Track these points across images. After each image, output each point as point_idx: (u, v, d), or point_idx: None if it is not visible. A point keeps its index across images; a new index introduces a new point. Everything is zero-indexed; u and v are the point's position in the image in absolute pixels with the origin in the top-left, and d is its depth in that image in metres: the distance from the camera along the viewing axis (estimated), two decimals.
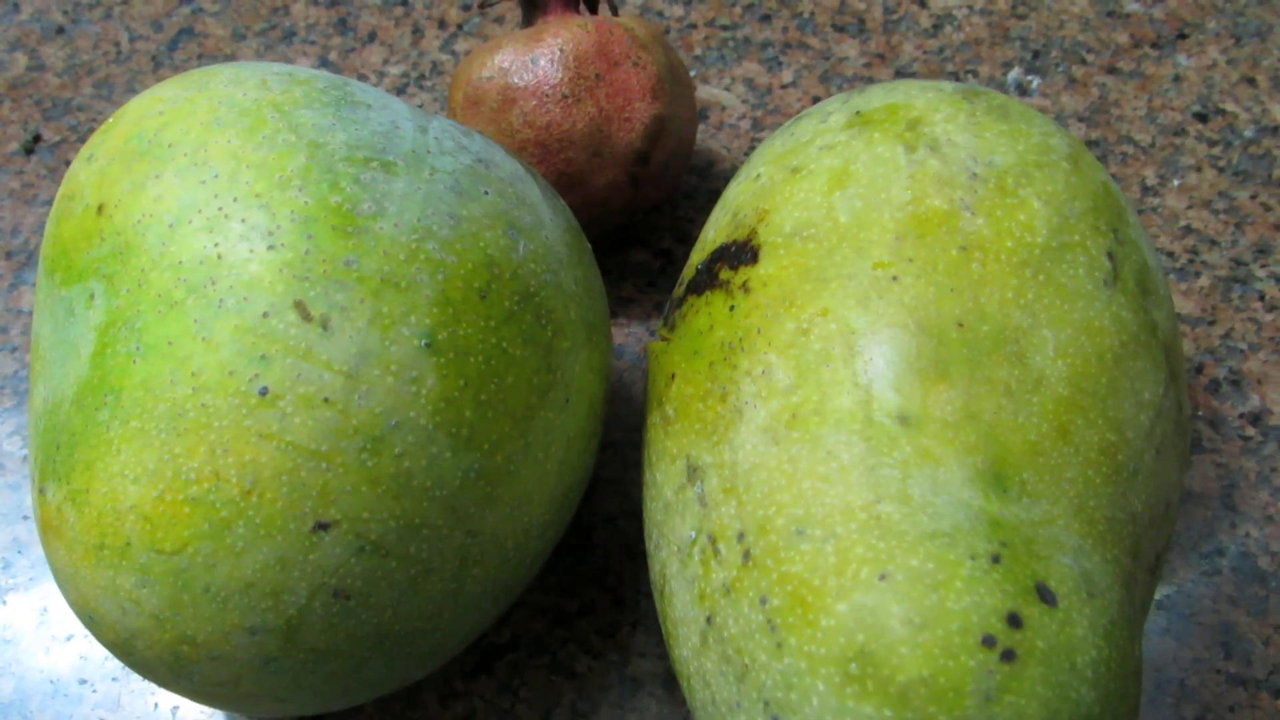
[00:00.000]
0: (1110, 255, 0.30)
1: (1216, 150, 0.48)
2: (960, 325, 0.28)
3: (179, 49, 0.54)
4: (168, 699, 0.37)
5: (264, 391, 0.27)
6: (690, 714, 0.37)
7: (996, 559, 0.25)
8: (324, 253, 0.28)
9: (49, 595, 0.40)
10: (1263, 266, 0.45)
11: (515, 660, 0.38)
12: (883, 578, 0.25)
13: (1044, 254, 0.29)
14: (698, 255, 0.34)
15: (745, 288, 0.31)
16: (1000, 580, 0.25)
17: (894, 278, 0.29)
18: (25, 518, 0.41)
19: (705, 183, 0.48)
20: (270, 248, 0.28)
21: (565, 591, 0.39)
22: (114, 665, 0.38)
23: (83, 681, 0.38)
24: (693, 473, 0.30)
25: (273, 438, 0.27)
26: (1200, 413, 0.41)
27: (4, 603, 0.39)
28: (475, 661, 0.38)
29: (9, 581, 0.40)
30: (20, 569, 0.40)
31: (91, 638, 0.39)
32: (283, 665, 0.29)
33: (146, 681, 0.38)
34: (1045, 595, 0.25)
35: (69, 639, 0.39)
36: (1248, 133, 0.49)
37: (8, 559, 0.40)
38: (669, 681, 0.37)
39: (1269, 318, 0.43)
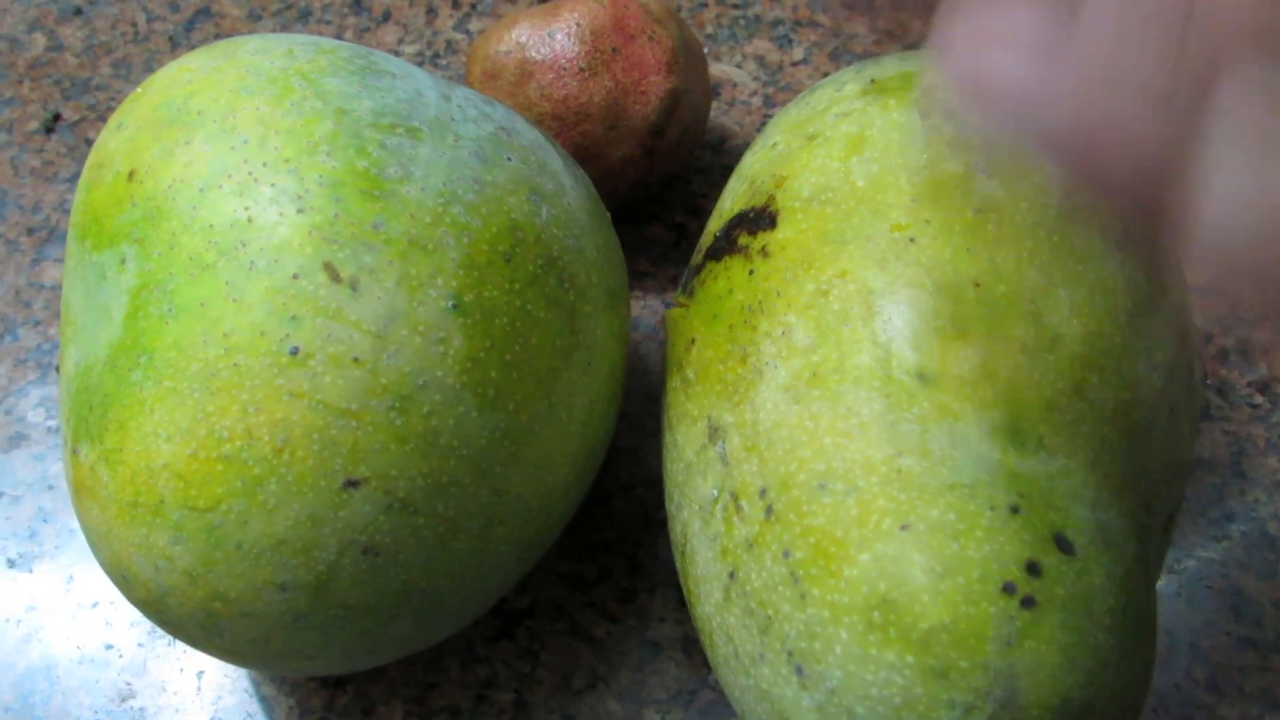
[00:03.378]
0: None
1: None
2: (977, 285, 0.28)
3: (196, 29, 0.54)
4: (193, 664, 0.38)
5: (295, 351, 0.28)
6: (711, 673, 0.37)
7: (1015, 509, 0.26)
8: (352, 216, 0.29)
9: (75, 564, 0.40)
10: None
11: (535, 625, 0.38)
12: (904, 528, 0.26)
13: (1058, 216, 0.29)
14: (715, 223, 0.35)
15: (764, 252, 0.31)
16: (1019, 530, 0.25)
17: (911, 239, 0.29)
18: (51, 488, 0.42)
19: (718, 158, 0.49)
20: (299, 211, 0.29)
21: (584, 558, 0.40)
22: (140, 631, 0.39)
23: (109, 647, 0.38)
24: (714, 432, 0.30)
25: (304, 396, 0.28)
26: (1209, 381, 0.42)
27: (30, 571, 0.40)
28: (496, 626, 0.38)
29: (35, 550, 0.40)
30: (46, 538, 0.41)
31: (118, 605, 0.39)
32: (312, 622, 0.29)
33: (172, 647, 0.38)
34: (1063, 544, 0.26)
35: (95, 606, 0.39)
36: None
37: (34, 528, 0.41)
38: (688, 645, 0.38)
39: None
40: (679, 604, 0.39)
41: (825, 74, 0.51)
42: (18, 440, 0.43)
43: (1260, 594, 0.38)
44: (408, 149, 0.30)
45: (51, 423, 0.43)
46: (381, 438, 0.28)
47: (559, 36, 0.41)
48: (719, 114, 0.50)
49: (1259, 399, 0.42)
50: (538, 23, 0.41)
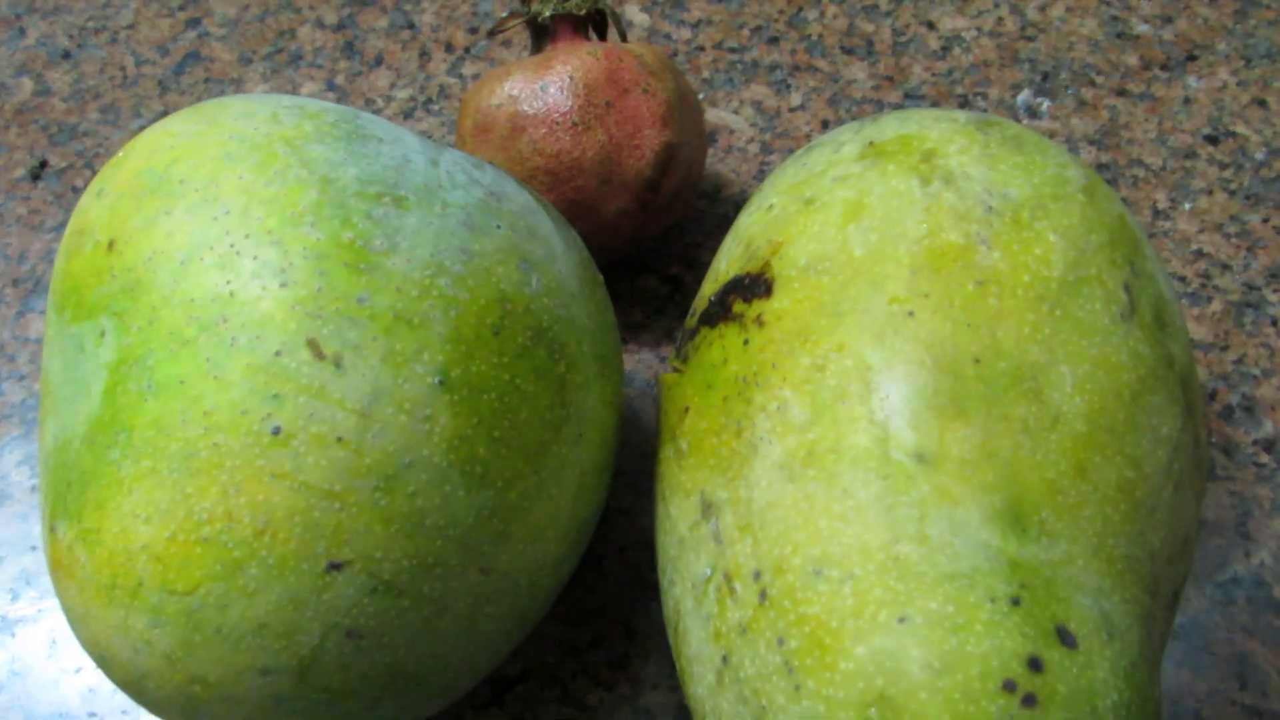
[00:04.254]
0: (1127, 288, 0.29)
1: (1228, 173, 0.48)
2: (977, 361, 0.28)
3: (185, 73, 0.53)
4: None
5: (277, 431, 0.27)
6: None
7: (1016, 601, 0.25)
8: (336, 290, 0.28)
9: (58, 627, 0.39)
10: (1275, 291, 0.45)
11: (526, 693, 0.38)
12: (901, 620, 0.25)
13: (1061, 288, 0.29)
14: (709, 286, 0.34)
15: (759, 321, 0.30)
16: (1020, 623, 0.25)
17: (910, 313, 0.28)
18: (34, 548, 0.41)
19: (714, 207, 0.48)
20: (283, 285, 0.28)
21: (576, 623, 0.39)
22: (123, 699, 0.38)
23: (92, 715, 0.38)
24: (707, 509, 0.30)
25: (286, 477, 0.27)
26: (1213, 439, 0.41)
27: (13, 634, 0.39)
28: (486, 694, 0.38)
29: (17, 613, 0.40)
30: (28, 600, 0.40)
31: (101, 672, 0.39)
32: (295, 706, 0.29)
33: (156, 718, 0.38)
34: (1066, 638, 0.25)
35: (78, 671, 0.38)
36: (1259, 155, 0.48)
37: (16, 590, 0.40)
38: (681, 714, 0.37)
39: None
40: (672, 671, 0.38)
41: (824, 120, 0.50)
42: (0, 499, 0.42)
43: (1266, 661, 0.37)
44: (394, 219, 0.29)
45: (34, 481, 0.42)
46: (366, 519, 0.27)
47: (552, 90, 0.40)
48: (715, 161, 0.49)
49: (1264, 458, 0.41)
50: (530, 75, 0.41)
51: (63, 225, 0.49)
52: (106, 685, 0.38)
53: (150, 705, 0.29)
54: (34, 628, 0.39)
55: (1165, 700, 0.36)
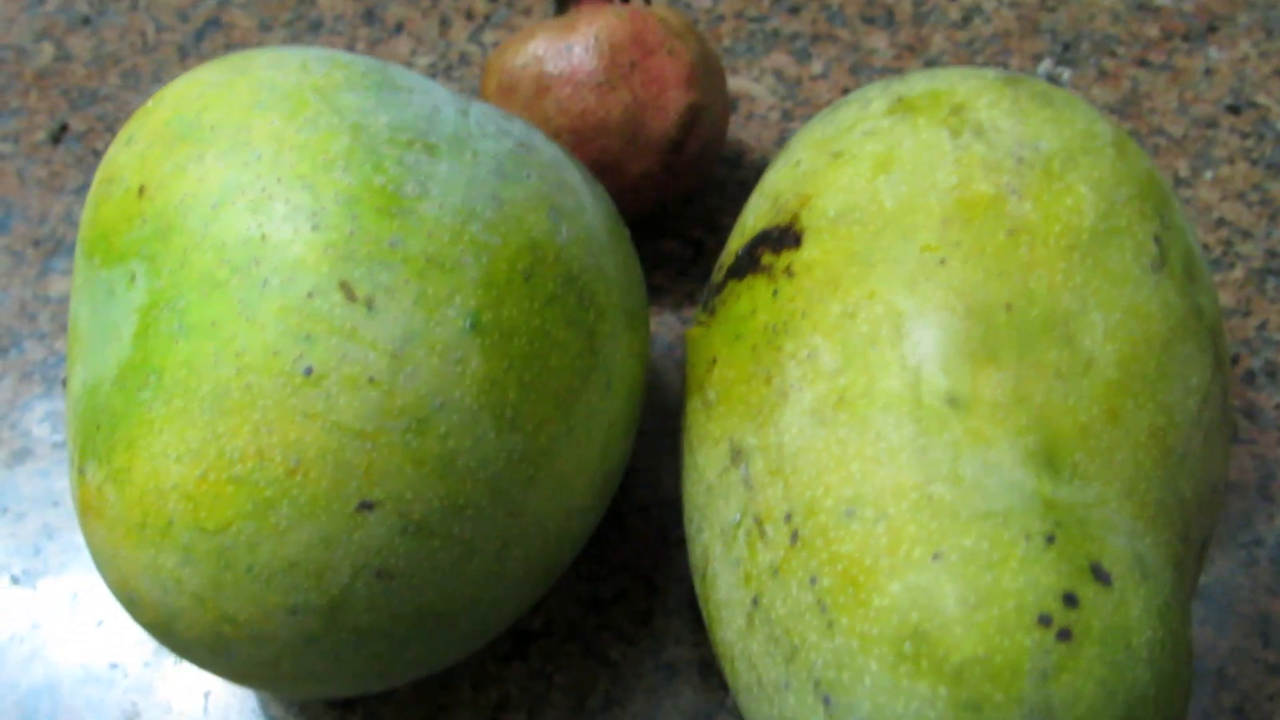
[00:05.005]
0: (1157, 240, 0.29)
1: (1249, 143, 0.48)
2: (1009, 308, 0.28)
3: (205, 40, 0.53)
4: (200, 684, 0.37)
5: (309, 371, 0.27)
6: (728, 697, 0.36)
7: (1051, 539, 0.25)
8: (368, 233, 0.28)
9: (80, 581, 0.39)
10: None
11: (549, 646, 0.38)
12: (936, 557, 0.25)
13: (1091, 238, 0.29)
14: (736, 241, 0.34)
15: (789, 271, 0.31)
16: (1055, 560, 0.25)
17: (941, 261, 0.28)
18: (56, 504, 0.41)
19: (736, 173, 0.48)
20: (314, 228, 0.28)
21: (599, 579, 0.39)
22: (146, 650, 0.38)
23: (114, 666, 0.38)
24: (736, 455, 0.30)
25: (317, 417, 0.27)
26: (1237, 404, 0.41)
27: (35, 588, 0.39)
28: (509, 647, 0.38)
29: (40, 567, 0.40)
30: (51, 555, 0.40)
31: (123, 623, 0.39)
32: (324, 646, 0.29)
33: (179, 666, 0.38)
34: (1100, 575, 0.25)
35: (100, 624, 0.39)
36: None
37: (38, 545, 0.40)
38: (704, 668, 0.37)
39: None
40: (696, 626, 0.38)
41: (844, 88, 0.50)
42: (23, 455, 0.42)
43: None
44: (425, 165, 0.30)
45: (57, 438, 0.42)
46: (397, 460, 0.27)
47: (576, 50, 0.40)
48: (736, 128, 0.49)
49: None
50: (555, 36, 0.41)
51: (83, 188, 0.49)
52: (128, 638, 0.38)
53: (178, 647, 0.29)
54: (56, 582, 0.39)
55: None
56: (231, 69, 0.32)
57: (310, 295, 0.27)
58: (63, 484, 0.41)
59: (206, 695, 0.37)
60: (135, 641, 0.38)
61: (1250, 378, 0.42)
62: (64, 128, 0.51)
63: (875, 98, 0.33)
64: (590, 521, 0.33)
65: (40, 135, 0.51)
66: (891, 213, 0.30)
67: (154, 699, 0.37)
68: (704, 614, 0.32)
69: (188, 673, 0.38)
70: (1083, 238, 0.29)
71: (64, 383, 0.44)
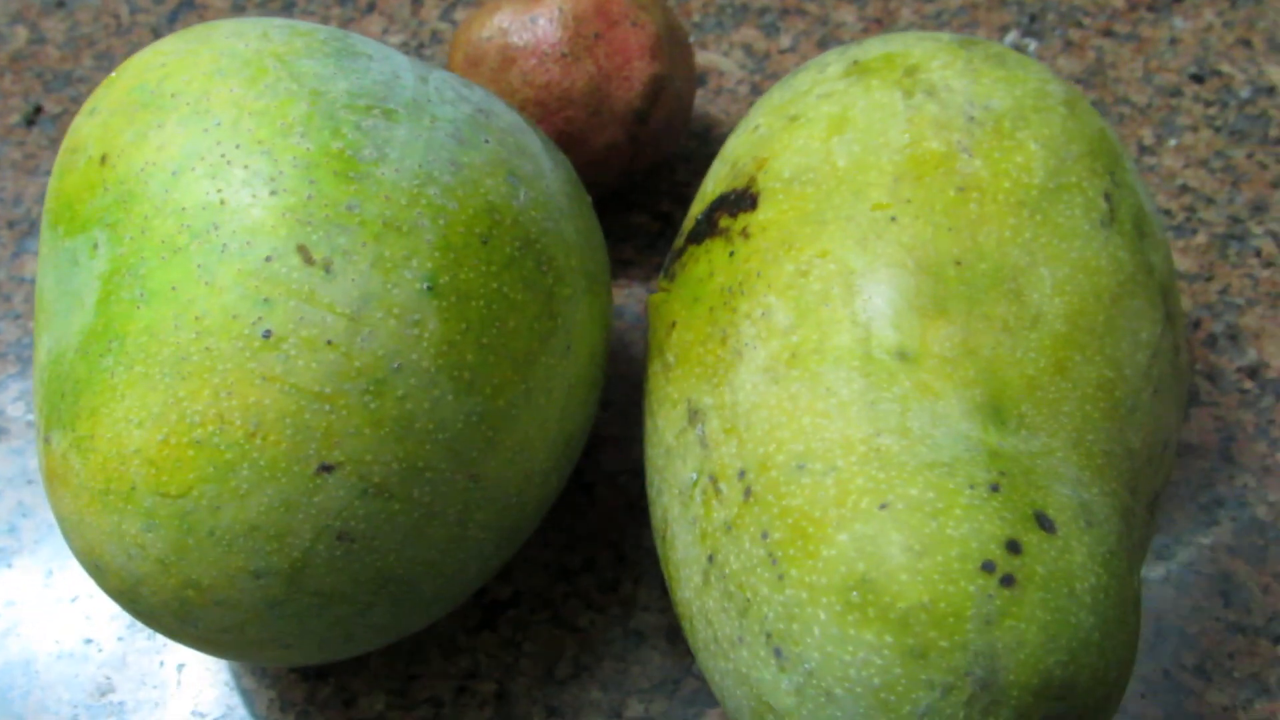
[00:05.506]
0: (1107, 197, 0.30)
1: (1213, 111, 0.48)
2: (958, 264, 0.28)
3: (179, 21, 0.54)
4: (174, 657, 0.38)
5: (267, 334, 0.27)
6: (694, 662, 0.37)
7: (995, 488, 0.25)
8: (326, 197, 0.28)
9: (54, 558, 0.40)
10: (1259, 224, 0.45)
11: (518, 616, 0.38)
12: (883, 507, 0.25)
13: (1041, 195, 0.29)
14: (697, 206, 0.34)
15: (745, 233, 0.31)
16: (999, 508, 0.25)
17: (892, 218, 0.29)
18: (30, 482, 0.41)
19: (704, 147, 0.48)
20: (273, 193, 0.28)
21: (567, 547, 0.39)
22: (119, 625, 0.38)
23: (88, 641, 0.38)
24: (694, 415, 0.30)
25: (276, 380, 0.27)
26: (1199, 367, 0.42)
27: (9, 566, 0.40)
28: (478, 617, 0.38)
29: (14, 545, 0.40)
30: (25, 532, 0.40)
31: (97, 599, 0.39)
32: (287, 609, 0.29)
33: (152, 640, 0.38)
34: (1044, 523, 0.25)
35: (74, 600, 0.39)
36: (1244, 93, 0.49)
37: (13, 523, 0.40)
38: (671, 634, 0.37)
39: (1265, 273, 0.44)
40: (663, 593, 0.38)
41: None
42: None
43: (1249, 579, 0.37)
44: (383, 130, 0.30)
45: (30, 417, 0.43)
46: (355, 422, 0.28)
47: (541, 21, 0.41)
48: (705, 102, 0.50)
49: (1248, 384, 0.41)
50: (519, 8, 0.41)
51: None
52: (102, 612, 0.39)
53: (144, 614, 0.30)
54: (30, 559, 0.40)
55: (1150, 616, 0.37)
56: (194, 38, 0.32)
57: (268, 259, 0.28)
58: (36, 463, 0.42)
59: (180, 669, 0.38)
60: (109, 617, 0.39)
61: (1212, 341, 0.42)
62: (38, 110, 0.51)
63: (832, 62, 0.34)
64: (552, 485, 0.33)
65: (15, 117, 0.51)
66: (844, 172, 0.30)
67: (128, 673, 0.37)
68: (665, 575, 0.32)
69: (161, 647, 0.38)
70: (1032, 194, 0.29)
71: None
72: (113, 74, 0.32)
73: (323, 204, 0.28)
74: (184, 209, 0.29)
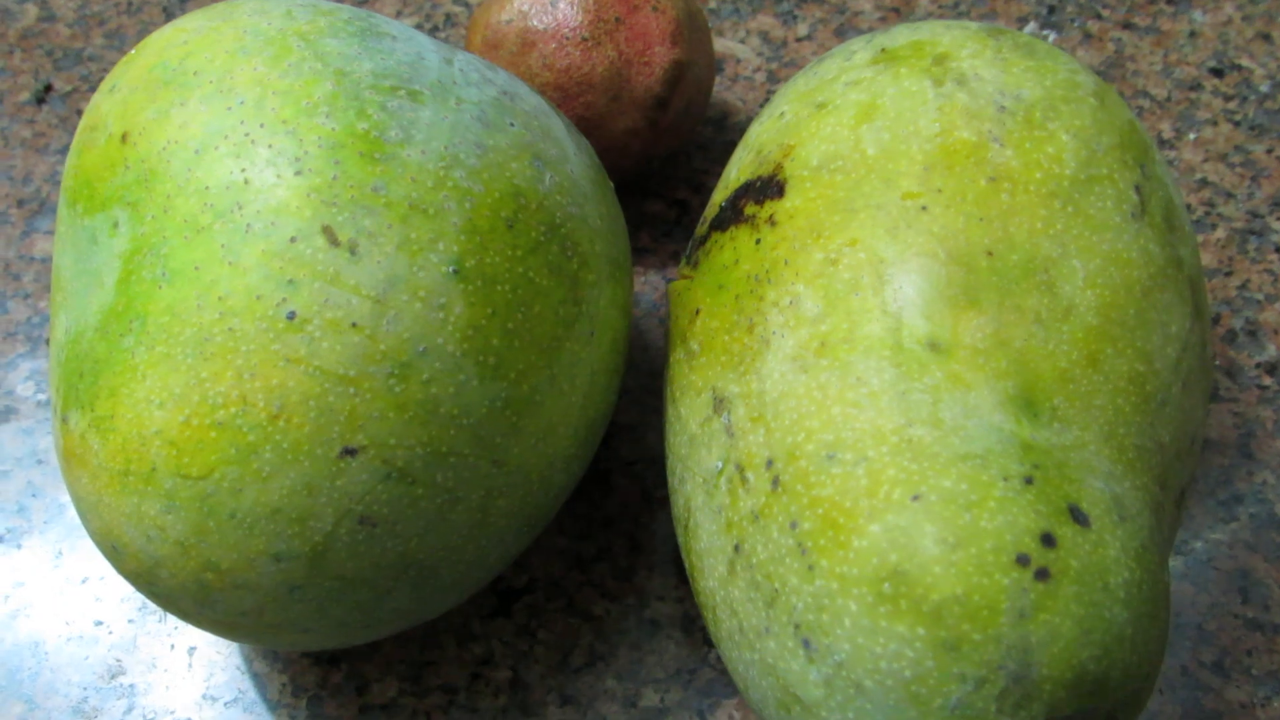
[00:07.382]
0: (1138, 189, 0.29)
1: (1232, 105, 0.48)
2: (990, 254, 0.28)
3: (190, 1, 0.53)
4: (184, 640, 0.37)
5: (291, 316, 0.27)
6: (710, 651, 0.37)
7: (1029, 480, 0.25)
8: (351, 178, 0.28)
9: (64, 539, 0.39)
10: (1278, 218, 0.45)
11: (533, 603, 0.38)
12: (915, 498, 0.25)
13: (1072, 186, 0.29)
14: (720, 194, 0.34)
15: (771, 221, 0.31)
16: (1033, 501, 0.25)
17: (923, 207, 0.28)
18: (40, 462, 0.41)
19: (721, 134, 0.48)
20: (298, 173, 0.28)
21: (583, 536, 0.39)
22: (130, 607, 0.38)
23: (98, 623, 0.38)
24: (719, 404, 0.30)
25: (300, 362, 0.27)
26: (1218, 362, 0.42)
27: (19, 547, 0.39)
28: (493, 604, 0.38)
29: (24, 525, 0.40)
30: (35, 513, 0.40)
31: (107, 580, 0.39)
32: (307, 593, 0.29)
33: (163, 623, 0.38)
34: (1078, 516, 0.25)
35: (84, 581, 0.39)
36: (1264, 88, 0.49)
37: (23, 503, 0.40)
38: (687, 623, 0.37)
39: None
40: (678, 582, 0.38)
41: (830, 50, 0.50)
42: (7, 414, 0.42)
43: (1268, 576, 0.37)
44: (409, 112, 0.29)
45: (41, 396, 0.42)
46: (380, 405, 0.27)
47: (561, 5, 0.40)
48: (722, 90, 0.49)
49: (1267, 380, 0.41)
50: None
51: (67, 147, 0.49)
52: (113, 594, 0.38)
53: (161, 597, 0.29)
54: (40, 540, 0.39)
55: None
56: (216, 15, 0.32)
57: (293, 240, 0.27)
58: (47, 442, 0.41)
59: (191, 651, 0.37)
60: (120, 599, 0.38)
61: (1231, 337, 0.42)
62: (48, 88, 0.51)
63: (859, 49, 0.33)
64: (573, 472, 0.33)
65: (24, 96, 0.50)
66: (874, 160, 0.30)
67: (138, 655, 0.37)
68: (686, 565, 0.32)
69: (172, 629, 0.38)
70: (1063, 185, 0.29)
71: (48, 341, 0.43)
72: (133, 51, 0.32)
73: (348, 185, 0.28)
74: (207, 188, 0.28)
